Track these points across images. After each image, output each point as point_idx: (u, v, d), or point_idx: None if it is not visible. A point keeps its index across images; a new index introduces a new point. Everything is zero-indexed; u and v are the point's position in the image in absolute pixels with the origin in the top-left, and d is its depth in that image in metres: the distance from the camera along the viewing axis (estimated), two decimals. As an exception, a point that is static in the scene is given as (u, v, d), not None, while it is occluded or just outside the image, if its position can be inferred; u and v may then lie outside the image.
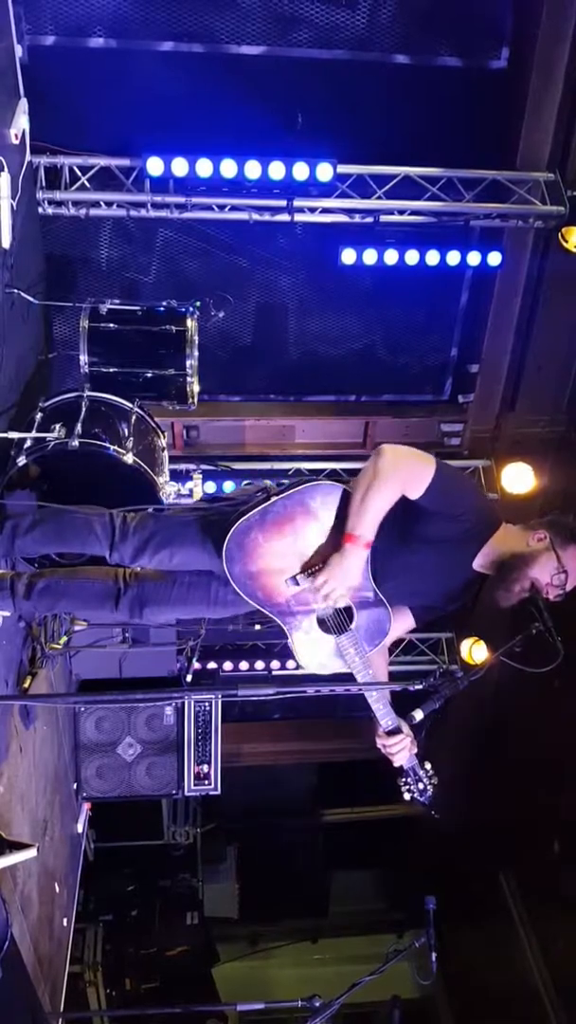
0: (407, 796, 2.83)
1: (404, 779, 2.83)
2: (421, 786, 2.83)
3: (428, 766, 2.84)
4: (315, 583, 2.67)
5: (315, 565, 2.70)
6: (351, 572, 2.64)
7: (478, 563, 2.78)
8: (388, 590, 2.75)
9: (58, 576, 3.23)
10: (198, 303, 4.47)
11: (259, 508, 2.70)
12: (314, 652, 2.79)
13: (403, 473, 2.61)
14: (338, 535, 2.67)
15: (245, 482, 3.06)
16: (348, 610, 2.76)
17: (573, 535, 2.69)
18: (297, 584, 2.71)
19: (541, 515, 2.86)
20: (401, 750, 2.74)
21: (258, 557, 2.71)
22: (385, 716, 2.75)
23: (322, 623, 2.78)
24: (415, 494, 2.63)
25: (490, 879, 7.47)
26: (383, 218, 5.16)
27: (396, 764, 2.79)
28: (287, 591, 2.73)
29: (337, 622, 2.76)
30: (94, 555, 3.16)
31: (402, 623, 2.94)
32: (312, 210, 5.12)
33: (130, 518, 3.10)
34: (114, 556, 3.07)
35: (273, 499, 2.70)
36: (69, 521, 3.12)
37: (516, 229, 5.37)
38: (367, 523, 2.60)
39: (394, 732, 2.74)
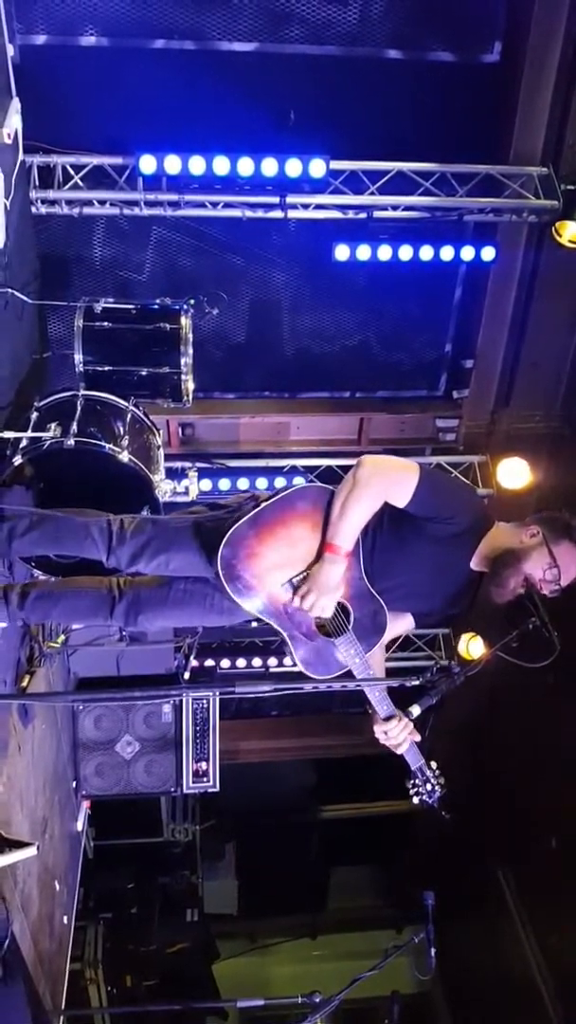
0: (416, 799, 2.84)
1: (412, 780, 2.84)
2: (429, 787, 2.84)
3: (435, 766, 2.85)
4: (298, 596, 2.68)
5: (309, 569, 2.69)
6: (330, 583, 2.66)
7: (474, 562, 2.79)
8: (385, 590, 2.77)
9: (51, 586, 3.23)
10: (192, 300, 4.47)
11: (249, 515, 2.68)
12: (314, 656, 2.78)
13: (382, 483, 2.64)
14: (323, 541, 2.68)
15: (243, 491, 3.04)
16: (345, 611, 2.76)
17: (566, 530, 2.68)
18: (293, 588, 2.71)
19: (536, 512, 2.87)
20: (401, 736, 2.75)
21: (254, 565, 2.68)
22: (381, 704, 2.75)
23: (321, 627, 2.77)
24: (401, 502, 2.66)
25: (488, 875, 7.48)
26: (376, 214, 5.16)
27: (399, 752, 2.79)
28: (285, 596, 2.72)
29: (335, 625, 2.76)
30: (89, 559, 3.13)
31: (402, 623, 2.97)
32: (305, 206, 5.12)
33: (127, 523, 3.07)
34: (111, 560, 3.04)
35: (262, 505, 2.70)
36: (66, 525, 3.10)
37: (510, 224, 5.38)
38: (345, 533, 2.63)
39: (390, 719, 2.76)
